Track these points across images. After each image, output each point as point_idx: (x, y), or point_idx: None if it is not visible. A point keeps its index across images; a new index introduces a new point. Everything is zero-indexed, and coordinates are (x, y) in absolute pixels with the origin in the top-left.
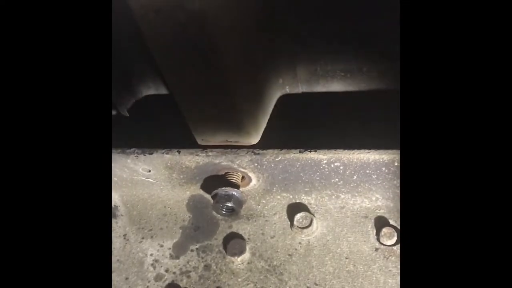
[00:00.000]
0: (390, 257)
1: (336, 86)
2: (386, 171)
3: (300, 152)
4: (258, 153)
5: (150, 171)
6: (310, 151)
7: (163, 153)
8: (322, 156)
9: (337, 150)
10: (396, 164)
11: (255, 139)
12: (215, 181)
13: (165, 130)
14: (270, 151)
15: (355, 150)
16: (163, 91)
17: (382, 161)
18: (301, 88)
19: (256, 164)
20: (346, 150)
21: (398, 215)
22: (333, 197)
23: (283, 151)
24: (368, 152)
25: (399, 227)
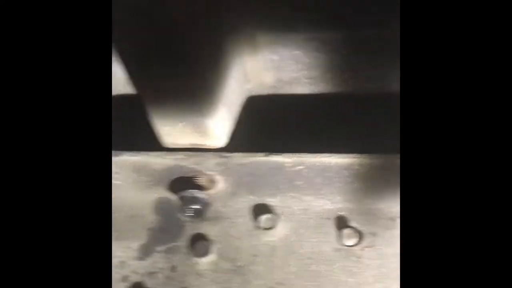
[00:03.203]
0: (351, 257)
1: (301, 91)
2: (347, 174)
3: (266, 155)
4: (225, 156)
5: (117, 173)
6: (275, 155)
7: (130, 156)
8: (287, 160)
9: (301, 153)
10: (356, 167)
11: (222, 142)
12: (182, 184)
13: (132, 132)
14: (237, 154)
15: (318, 154)
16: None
17: (343, 164)
18: (267, 93)
19: (222, 167)
20: (309, 154)
21: (358, 216)
22: (297, 199)
23: (250, 154)
24: (330, 156)
25: (359, 228)
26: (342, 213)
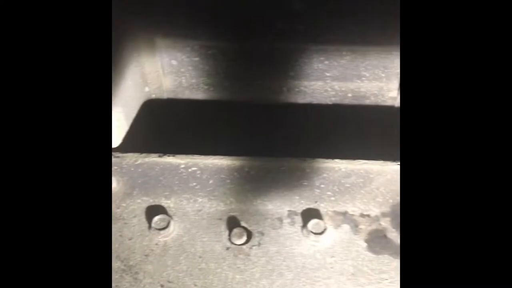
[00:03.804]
0: (239, 255)
1: (200, 96)
2: (238, 176)
3: (159, 156)
4: (118, 156)
5: None
6: (169, 156)
7: None
8: (180, 161)
9: (194, 155)
10: (246, 169)
11: (115, 142)
12: None
13: None
14: (130, 154)
15: (210, 156)
16: None
17: (234, 166)
18: (166, 97)
19: (115, 167)
20: (202, 156)
21: (248, 217)
22: (191, 200)
23: (143, 155)
24: (222, 158)
25: (249, 228)
26: (233, 214)
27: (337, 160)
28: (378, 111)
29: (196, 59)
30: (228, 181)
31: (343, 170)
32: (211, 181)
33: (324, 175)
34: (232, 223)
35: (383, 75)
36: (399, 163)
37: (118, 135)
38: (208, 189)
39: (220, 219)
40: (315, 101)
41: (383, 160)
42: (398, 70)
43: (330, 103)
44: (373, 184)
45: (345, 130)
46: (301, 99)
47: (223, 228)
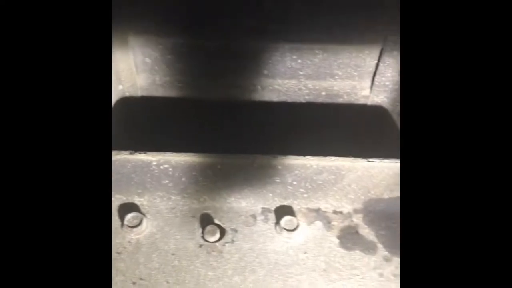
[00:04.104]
0: (212, 252)
1: (174, 94)
2: (211, 173)
3: (130, 153)
4: None
5: None
6: (140, 153)
7: None
8: (151, 158)
9: (166, 152)
10: (218, 167)
11: None
12: None
13: None
14: None
15: (182, 153)
16: None
17: (206, 163)
18: (140, 94)
19: None
20: (174, 153)
21: (221, 214)
22: (165, 198)
23: (114, 152)
24: (193, 155)
25: (222, 225)
26: (207, 211)
27: (308, 157)
28: (351, 109)
29: (170, 57)
30: (201, 178)
31: (314, 166)
32: (183, 179)
33: (296, 172)
34: (205, 220)
35: (355, 73)
36: (369, 159)
37: None
38: (181, 187)
39: (194, 216)
40: (289, 99)
41: (354, 157)
42: (371, 69)
43: (304, 101)
44: (345, 181)
45: (319, 128)
46: (275, 97)
47: (196, 225)
